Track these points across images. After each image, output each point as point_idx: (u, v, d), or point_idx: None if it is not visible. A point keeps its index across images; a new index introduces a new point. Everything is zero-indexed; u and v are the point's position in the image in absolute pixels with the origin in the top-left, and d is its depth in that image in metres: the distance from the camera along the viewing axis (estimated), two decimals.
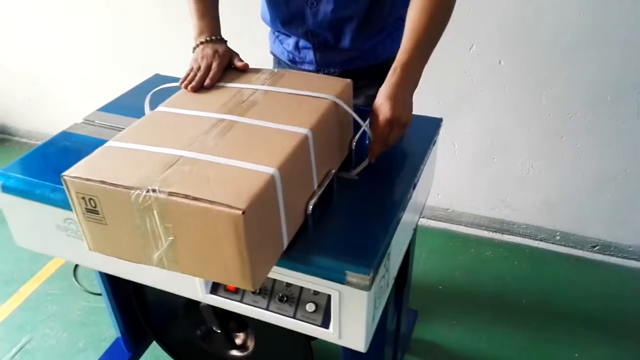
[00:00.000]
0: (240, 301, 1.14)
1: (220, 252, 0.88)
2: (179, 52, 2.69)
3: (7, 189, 1.23)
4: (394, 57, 1.23)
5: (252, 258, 0.87)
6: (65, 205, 1.17)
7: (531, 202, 2.50)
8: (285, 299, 1.10)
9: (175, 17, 2.67)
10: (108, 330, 2.13)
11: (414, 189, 1.21)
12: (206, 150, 0.97)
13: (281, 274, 1.05)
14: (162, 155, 0.96)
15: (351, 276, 0.96)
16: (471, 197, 2.60)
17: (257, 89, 1.20)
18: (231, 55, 1.33)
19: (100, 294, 2.25)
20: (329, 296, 1.03)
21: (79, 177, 0.92)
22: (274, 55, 1.66)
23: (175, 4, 2.59)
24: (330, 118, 1.13)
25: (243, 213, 0.81)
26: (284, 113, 1.09)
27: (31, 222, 1.28)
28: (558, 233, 2.54)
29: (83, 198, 0.93)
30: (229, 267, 0.89)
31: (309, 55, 1.53)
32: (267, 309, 1.12)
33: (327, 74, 1.54)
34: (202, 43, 1.34)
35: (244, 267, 0.87)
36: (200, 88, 1.23)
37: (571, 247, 2.55)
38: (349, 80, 1.24)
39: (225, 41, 1.37)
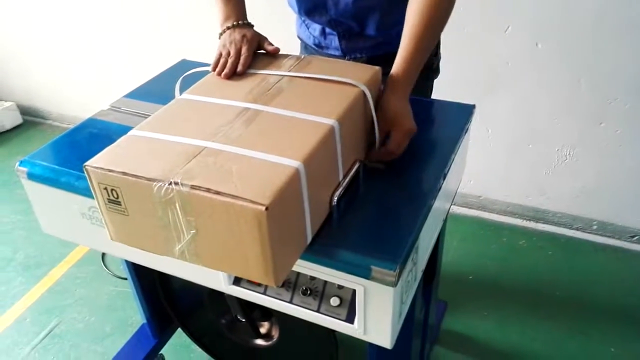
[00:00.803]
0: (264, 293, 1.11)
1: (242, 247, 0.85)
2: (206, 36, 2.69)
3: (32, 177, 1.23)
4: None
5: (274, 254, 0.85)
6: (89, 193, 1.15)
7: (567, 190, 2.43)
8: (309, 292, 1.07)
9: (202, 1, 2.65)
10: (135, 315, 2.14)
11: (444, 179, 1.16)
12: (230, 141, 0.94)
13: (305, 267, 1.01)
14: (186, 145, 0.94)
15: (376, 272, 0.93)
16: (505, 184, 2.53)
17: (283, 76, 1.16)
18: (260, 39, 1.29)
19: (127, 279, 2.26)
20: (354, 291, 1.00)
21: (101, 168, 0.90)
22: (300, 39, 1.63)
23: None
24: (358, 107, 1.09)
25: (266, 209, 0.79)
26: (310, 102, 1.05)
27: (56, 209, 1.27)
28: (595, 222, 2.47)
29: (105, 189, 0.92)
30: (251, 262, 0.87)
31: (335, 41, 1.50)
32: (290, 302, 1.09)
33: (354, 59, 1.50)
34: (228, 28, 1.30)
35: (266, 263, 0.85)
36: (233, 74, 1.19)
37: (609, 236, 2.47)
38: (377, 68, 1.19)
39: (252, 25, 1.33)
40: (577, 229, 2.51)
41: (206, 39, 2.65)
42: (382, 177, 1.15)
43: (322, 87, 1.11)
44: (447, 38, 1.52)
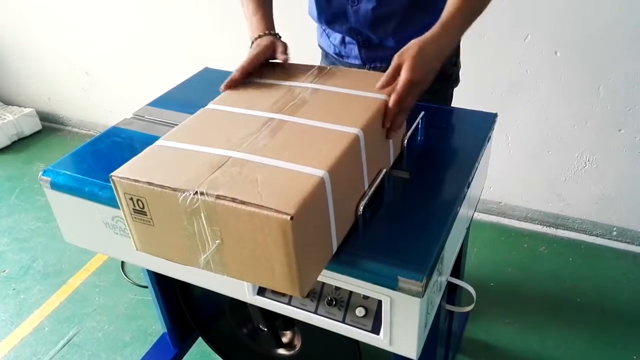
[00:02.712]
0: (288, 304, 1.11)
1: (268, 257, 0.85)
2: (229, 44, 2.70)
3: (55, 186, 1.23)
4: None
5: (300, 264, 0.84)
6: (113, 203, 1.15)
7: (587, 197, 2.41)
8: (334, 302, 1.07)
9: (225, 10, 2.66)
10: (154, 324, 2.14)
11: (468, 187, 1.15)
12: (255, 151, 0.95)
13: (330, 277, 1.01)
14: (211, 155, 0.94)
15: (403, 282, 0.92)
16: (525, 191, 2.52)
17: (307, 87, 1.17)
18: (274, 47, 1.28)
19: (147, 287, 2.27)
20: (380, 301, 0.99)
21: (127, 178, 0.90)
22: (321, 48, 1.63)
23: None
24: (381, 117, 1.08)
25: (291, 218, 0.79)
26: (334, 112, 1.06)
27: (79, 219, 1.27)
28: (615, 228, 2.45)
29: (131, 199, 0.92)
30: (277, 273, 0.86)
31: (354, 50, 1.50)
32: (315, 312, 1.08)
33: (374, 68, 1.49)
34: (255, 40, 1.30)
35: (291, 273, 0.85)
36: (230, 85, 1.20)
37: (628, 242, 2.45)
38: None
39: (277, 35, 1.32)
40: (597, 235, 2.49)
41: (229, 47, 2.68)
42: (407, 186, 1.15)
43: (345, 98, 1.12)
44: (467, 45, 1.51)
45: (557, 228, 2.54)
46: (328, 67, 1.25)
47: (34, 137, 3.66)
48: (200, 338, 1.80)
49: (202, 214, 0.86)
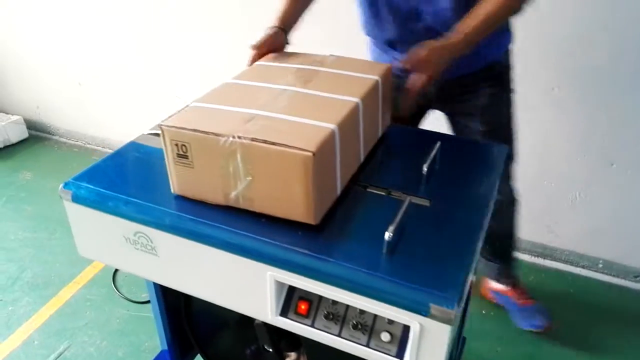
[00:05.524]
0: (312, 326, 1.11)
1: (289, 189, 1.05)
2: (221, 54, 2.71)
3: (78, 199, 1.22)
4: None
5: (315, 195, 1.04)
6: (137, 218, 1.17)
7: (577, 229, 2.47)
8: (358, 326, 1.08)
9: (217, 19, 2.68)
10: (148, 340, 2.12)
11: (488, 214, 1.19)
12: (277, 110, 1.14)
13: (356, 300, 1.02)
14: (240, 113, 1.14)
15: (436, 309, 0.94)
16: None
17: (312, 69, 1.38)
18: (274, 38, 1.54)
19: (140, 302, 2.25)
20: (405, 326, 1.01)
21: (175, 126, 1.09)
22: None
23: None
24: (375, 93, 1.32)
25: (313, 154, 0.99)
26: (337, 87, 1.27)
27: (99, 233, 1.26)
28: (601, 261, 2.50)
29: (176, 144, 1.10)
30: (296, 203, 1.06)
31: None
32: (339, 335, 1.09)
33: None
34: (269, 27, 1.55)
35: (308, 202, 1.05)
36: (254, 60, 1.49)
37: (614, 275, 2.50)
38: (388, 65, 1.41)
39: (281, 29, 1.56)
40: (583, 267, 2.55)
41: (222, 57, 2.69)
42: (429, 214, 1.17)
43: (345, 77, 1.34)
44: None
45: (544, 258, 2.59)
46: (329, 55, 1.47)
47: (21, 145, 3.62)
48: (198, 357, 1.79)
49: (237, 155, 1.05)
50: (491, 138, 1.69)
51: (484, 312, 2.29)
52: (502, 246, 2.18)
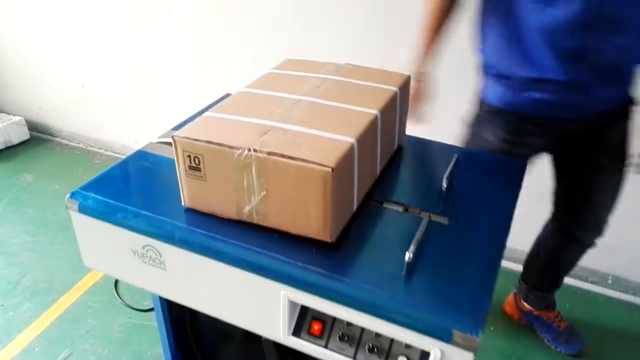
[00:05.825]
0: (325, 347, 1.07)
1: (306, 205, 1.01)
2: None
3: (84, 210, 1.18)
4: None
5: (332, 212, 1.01)
6: (146, 231, 1.13)
7: None
8: (375, 349, 1.04)
9: (222, 23, 2.65)
10: (150, 349, 2.08)
11: (508, 234, 1.15)
12: (293, 122, 1.10)
13: (373, 323, 0.98)
14: (256, 124, 1.10)
15: (459, 336, 0.90)
16: (524, 235, 2.51)
17: (328, 77, 1.34)
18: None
19: (142, 310, 2.21)
20: (423, 351, 0.97)
21: (188, 137, 1.05)
22: (486, 103, 1.69)
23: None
24: (393, 105, 1.28)
25: (332, 170, 0.96)
26: (355, 97, 1.24)
27: (106, 245, 1.22)
28: (610, 277, 2.46)
29: (189, 156, 1.07)
30: (312, 219, 1.02)
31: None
32: (354, 358, 1.05)
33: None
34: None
35: (325, 219, 1.01)
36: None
37: (622, 291, 2.47)
38: (407, 75, 1.38)
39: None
40: (592, 283, 2.51)
41: (224, 62, 2.66)
42: (447, 232, 1.14)
43: (362, 88, 1.30)
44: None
45: None
46: (344, 64, 1.43)
47: (22, 146, 3.58)
48: None
49: (252, 168, 1.02)
50: None
51: (492, 328, 2.25)
52: (555, 277, 2.17)
